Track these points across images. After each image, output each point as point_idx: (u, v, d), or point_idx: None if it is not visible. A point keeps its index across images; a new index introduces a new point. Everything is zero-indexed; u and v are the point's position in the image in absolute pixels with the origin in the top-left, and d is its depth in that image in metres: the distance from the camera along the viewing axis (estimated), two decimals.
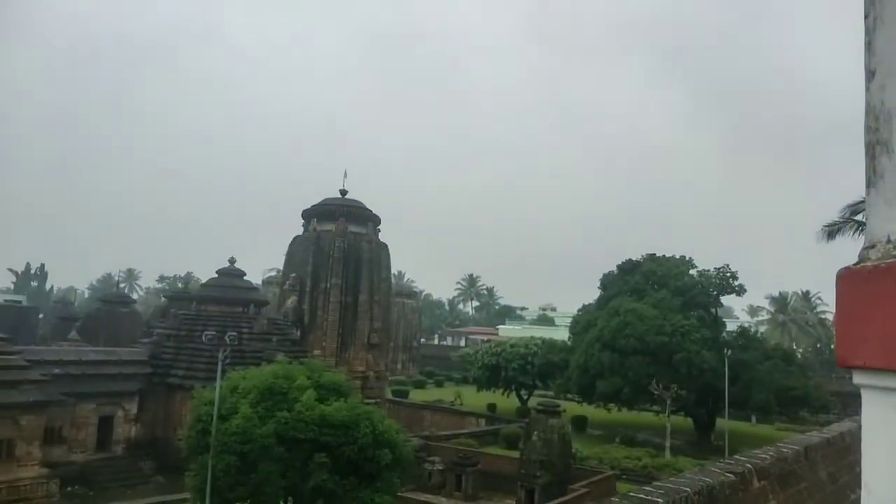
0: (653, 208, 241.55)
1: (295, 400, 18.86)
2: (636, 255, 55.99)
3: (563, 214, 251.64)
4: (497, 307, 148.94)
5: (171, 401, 33.83)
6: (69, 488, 27.99)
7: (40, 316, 69.46)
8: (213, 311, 38.94)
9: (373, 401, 34.07)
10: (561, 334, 71.89)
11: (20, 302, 78.53)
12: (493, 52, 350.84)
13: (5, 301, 76.64)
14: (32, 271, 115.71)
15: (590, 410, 52.21)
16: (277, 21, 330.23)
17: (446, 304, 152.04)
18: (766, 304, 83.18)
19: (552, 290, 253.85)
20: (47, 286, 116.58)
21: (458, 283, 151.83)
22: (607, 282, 56.19)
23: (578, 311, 59.93)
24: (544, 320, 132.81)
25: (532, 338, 62.05)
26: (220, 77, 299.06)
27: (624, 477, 34.57)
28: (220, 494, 18.09)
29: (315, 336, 45.68)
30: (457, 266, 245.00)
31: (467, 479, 30.16)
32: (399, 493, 20.90)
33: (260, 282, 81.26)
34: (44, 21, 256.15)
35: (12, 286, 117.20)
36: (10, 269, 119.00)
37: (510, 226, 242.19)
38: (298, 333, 44.14)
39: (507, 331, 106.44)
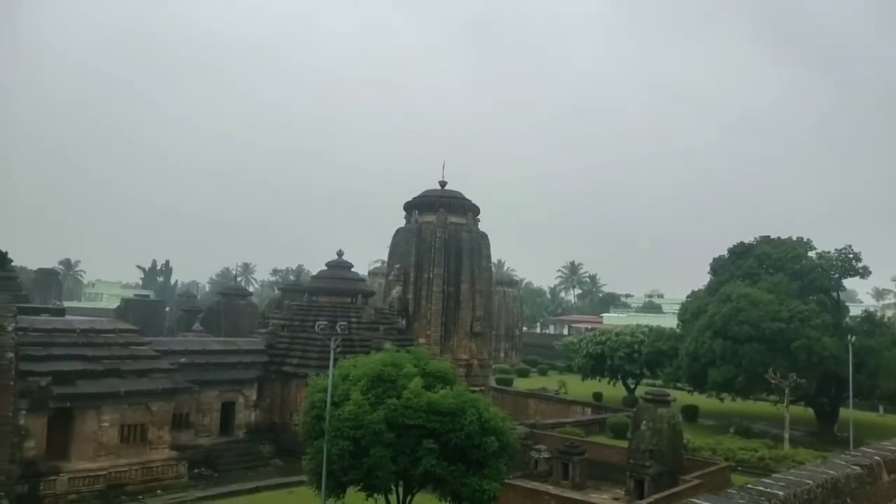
0: (766, 188, 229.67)
1: (403, 387, 19.35)
2: (748, 238, 53.62)
3: (669, 198, 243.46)
4: (600, 295, 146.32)
5: (287, 388, 35.48)
6: (196, 470, 29.92)
7: (167, 309, 74.32)
8: (323, 302, 40.45)
9: (477, 389, 34.42)
10: (669, 322, 69.96)
11: (148, 296, 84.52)
12: (586, 33, 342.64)
13: (135, 296, 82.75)
14: (158, 268, 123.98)
15: (701, 400, 50.61)
16: (370, 15, 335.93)
17: (547, 292, 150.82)
18: (893, 286, 77.37)
19: (659, 277, 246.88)
20: (172, 281, 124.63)
21: (559, 270, 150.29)
22: (718, 266, 54.19)
23: (687, 297, 58.21)
24: (651, 307, 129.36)
25: (638, 325, 60.73)
26: (320, 74, 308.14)
27: (739, 469, 33.35)
28: (335, 477, 18.87)
29: (419, 325, 46.54)
30: (558, 254, 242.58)
31: (574, 468, 29.96)
32: (506, 481, 21.07)
33: (366, 273, 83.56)
34: (162, 30, 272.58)
35: (141, 282, 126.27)
36: (139, 266, 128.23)
37: (614, 211, 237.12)
38: (404, 322, 45.11)
39: (612, 319, 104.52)
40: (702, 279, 55.86)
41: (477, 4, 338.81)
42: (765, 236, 52.89)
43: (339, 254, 43.82)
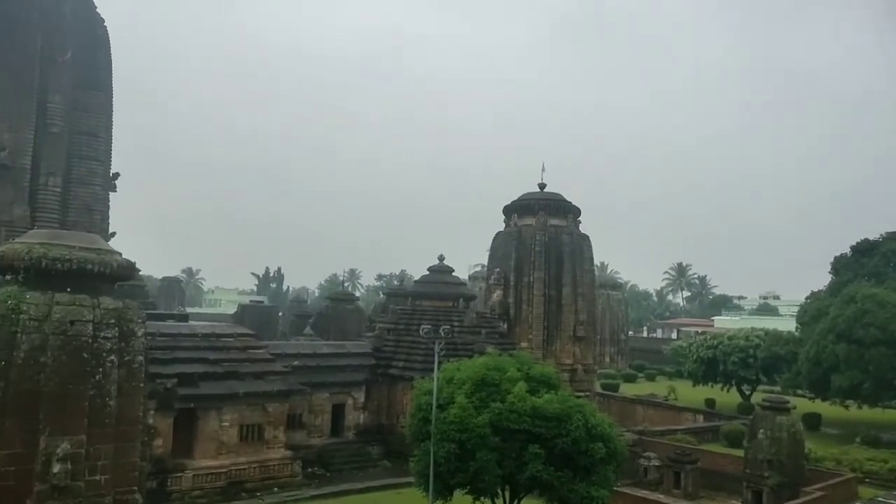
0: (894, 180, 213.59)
1: (507, 391, 19.40)
2: (873, 234, 50.12)
3: (787, 193, 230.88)
4: (710, 297, 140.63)
5: (394, 390, 36.30)
6: (309, 469, 31.10)
7: (280, 314, 77.61)
8: (426, 306, 41.13)
9: (582, 394, 33.94)
10: (786, 324, 66.54)
11: (263, 302, 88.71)
12: (687, 21, 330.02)
13: (251, 301, 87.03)
14: (271, 274, 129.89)
15: (823, 407, 47.78)
16: (463, 17, 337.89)
17: (654, 294, 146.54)
18: None
19: (774, 277, 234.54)
20: (284, 287, 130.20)
21: (665, 272, 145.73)
22: (840, 265, 51.09)
23: (806, 298, 55.13)
24: (766, 309, 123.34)
25: (753, 329, 58.02)
26: (416, 82, 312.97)
27: (867, 481, 31.21)
28: (442, 480, 19.15)
29: (521, 329, 46.39)
30: (664, 255, 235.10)
31: (687, 477, 28.98)
32: (615, 488, 20.69)
33: (467, 277, 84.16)
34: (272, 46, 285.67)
35: (256, 288, 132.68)
36: (254, 273, 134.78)
37: (725, 210, 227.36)
38: (505, 326, 45.12)
39: (724, 322, 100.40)
40: (822, 279, 52.85)
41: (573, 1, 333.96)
42: (892, 232, 49.32)
43: (441, 258, 44.41)
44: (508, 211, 49.99)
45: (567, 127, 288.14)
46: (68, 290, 14.79)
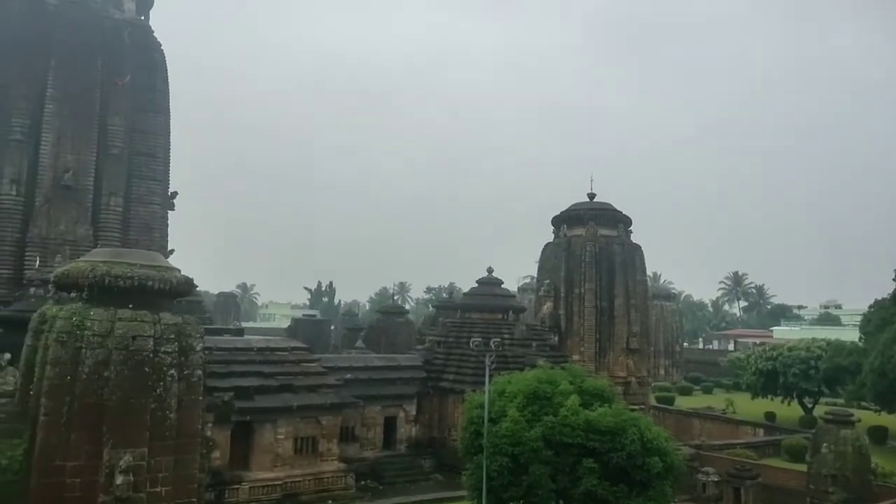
0: None
1: (559, 405, 19.20)
2: None
3: (848, 199, 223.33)
4: (768, 307, 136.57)
5: (445, 403, 36.27)
6: (362, 482, 31.27)
7: (332, 327, 78.62)
8: (475, 319, 41.05)
9: (637, 407, 33.33)
10: (849, 335, 64.26)
11: (315, 315, 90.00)
12: (738, 27, 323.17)
13: (304, 315, 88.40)
14: (323, 288, 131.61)
15: (889, 420, 45.84)
16: (505, 28, 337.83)
17: (709, 305, 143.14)
18: None
19: (835, 286, 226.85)
20: (336, 301, 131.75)
21: (721, 282, 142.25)
22: None
23: (870, 307, 53.03)
24: (827, 319, 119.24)
25: (814, 339, 56.06)
26: (464, 92, 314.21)
27: None
28: (494, 493, 19.03)
29: (573, 341, 45.91)
30: (719, 264, 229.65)
31: (747, 493, 28.11)
32: None
33: (516, 289, 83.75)
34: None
35: (308, 302, 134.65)
36: (306, 288, 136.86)
37: (782, 217, 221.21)
38: (556, 339, 44.70)
39: (783, 332, 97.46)
40: (885, 287, 50.69)
41: (622, 6, 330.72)
42: None
43: (490, 270, 44.31)
44: (557, 222, 49.68)
45: (617, 136, 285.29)
46: (130, 306, 15.27)
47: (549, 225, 50.59)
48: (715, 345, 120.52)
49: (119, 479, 14.09)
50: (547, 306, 46.94)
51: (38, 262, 32.52)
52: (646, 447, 18.12)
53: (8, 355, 18.30)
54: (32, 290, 28.77)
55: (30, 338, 15.62)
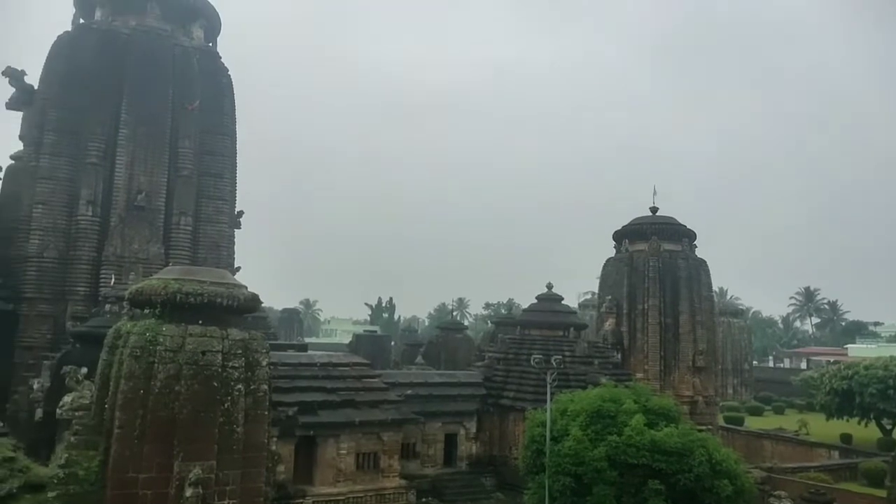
0: None
1: (623, 424, 18.83)
2: None
3: None
4: (843, 323, 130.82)
5: (505, 421, 35.95)
6: (423, 499, 31.18)
7: (392, 343, 79.15)
8: (535, 335, 40.66)
9: (704, 427, 32.33)
10: None
11: (376, 331, 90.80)
12: (811, 38, 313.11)
13: (364, 331, 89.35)
14: (383, 304, 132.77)
15: None
16: (563, 44, 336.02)
17: (779, 321, 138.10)
18: None
19: None
20: (395, 317, 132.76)
21: (791, 297, 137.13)
22: None
23: None
24: None
25: (892, 357, 53.32)
26: (518, 109, 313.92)
27: None
28: None
29: (636, 359, 44.96)
30: (789, 279, 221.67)
31: None
32: None
33: (576, 305, 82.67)
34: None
35: (369, 318, 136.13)
36: (367, 304, 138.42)
37: (857, 229, 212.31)
38: (618, 356, 43.86)
39: (859, 350, 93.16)
40: None
41: (678, 18, 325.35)
42: None
43: (549, 286, 43.88)
44: (619, 236, 48.94)
45: (678, 149, 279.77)
46: (200, 322, 15.74)
47: (610, 240, 49.87)
48: (786, 363, 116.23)
49: (189, 492, 14.45)
50: (609, 323, 46.15)
51: (112, 280, 33.92)
52: (714, 469, 17.57)
53: (85, 369, 19.08)
54: (108, 306, 29.95)
55: (105, 353, 16.22)
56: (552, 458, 18.80)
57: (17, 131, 40.33)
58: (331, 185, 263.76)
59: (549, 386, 21.58)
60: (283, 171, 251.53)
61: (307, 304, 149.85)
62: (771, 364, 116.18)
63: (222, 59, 42.54)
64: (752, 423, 57.84)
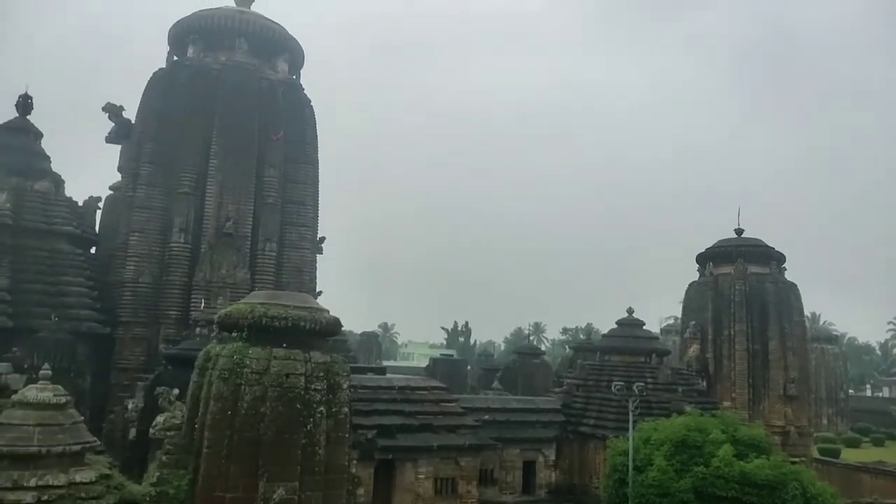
0: None
1: (710, 455, 18.14)
2: None
3: None
4: None
5: (585, 449, 35.18)
6: None
7: (468, 367, 79.01)
8: (616, 361, 39.80)
9: (797, 459, 30.74)
10: None
11: (452, 355, 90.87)
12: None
13: (441, 355, 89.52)
14: (459, 328, 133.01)
15: None
16: (635, 64, 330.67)
17: (877, 348, 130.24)
18: None
19: None
20: (472, 341, 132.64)
21: (890, 322, 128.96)
22: None
23: None
24: None
25: None
26: (591, 130, 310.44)
27: None
28: None
29: (723, 387, 43.37)
30: (887, 303, 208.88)
31: None
32: None
33: (658, 330, 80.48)
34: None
35: (445, 342, 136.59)
36: (443, 328, 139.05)
37: None
38: (704, 384, 42.40)
39: None
40: None
41: (761, 39, 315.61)
42: None
43: (630, 311, 42.92)
44: (703, 259, 47.65)
45: (765, 168, 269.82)
46: (284, 345, 16.22)
47: (693, 263, 48.56)
48: (885, 392, 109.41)
49: None
50: (693, 349, 44.77)
51: (202, 304, 35.37)
52: None
53: (176, 391, 19.93)
54: (198, 329, 31.21)
55: (196, 374, 16.89)
56: (635, 488, 18.27)
57: (116, 163, 43.00)
58: (408, 210, 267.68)
59: (630, 414, 21.05)
60: (363, 197, 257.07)
61: (385, 327, 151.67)
62: (868, 393, 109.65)
63: (305, 91, 44.14)
64: (849, 456, 54.55)
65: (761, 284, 44.11)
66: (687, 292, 47.99)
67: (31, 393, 14.51)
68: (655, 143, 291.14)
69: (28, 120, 41.88)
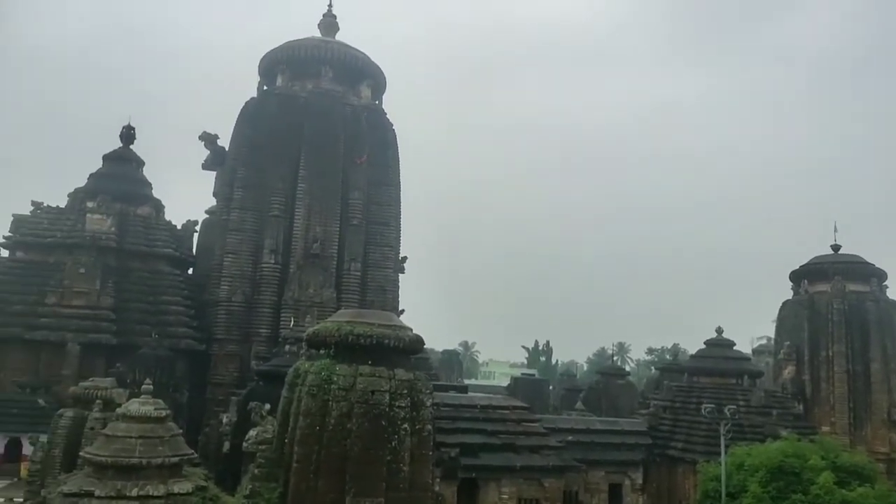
0: None
1: (810, 482, 17.31)
2: None
3: None
4: None
5: (674, 473, 34.11)
6: None
7: (550, 387, 77.98)
8: (705, 383, 38.51)
9: None
10: None
11: (534, 374, 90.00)
12: None
13: (522, 374, 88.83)
14: (540, 347, 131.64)
15: None
16: (719, 75, 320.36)
17: None
18: None
19: None
20: (553, 361, 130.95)
21: None
22: None
23: None
24: None
25: None
26: (681, 149, 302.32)
27: None
28: None
29: (821, 410, 41.21)
30: None
31: None
32: None
33: (750, 351, 77.15)
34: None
35: (526, 361, 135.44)
36: (524, 347, 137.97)
37: None
38: (800, 407, 40.41)
39: None
40: None
41: (849, 44, 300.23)
42: None
43: (719, 331, 41.49)
44: (797, 276, 45.72)
45: (860, 181, 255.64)
46: (369, 362, 16.60)
47: (786, 280, 46.65)
48: None
49: None
50: (788, 371, 42.83)
51: (291, 322, 36.58)
52: None
53: (268, 406, 20.66)
54: (287, 346, 32.29)
55: (286, 390, 17.49)
56: None
57: (212, 189, 45.24)
58: (490, 228, 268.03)
59: (722, 437, 20.35)
60: (444, 215, 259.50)
61: (466, 345, 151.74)
62: None
63: (387, 115, 45.27)
64: None
65: (861, 303, 41.91)
66: (780, 311, 46.15)
67: (134, 407, 15.36)
68: (744, 156, 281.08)
69: (131, 149, 44.80)
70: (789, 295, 46.28)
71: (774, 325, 47.49)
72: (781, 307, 46.18)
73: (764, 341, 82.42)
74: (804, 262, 45.56)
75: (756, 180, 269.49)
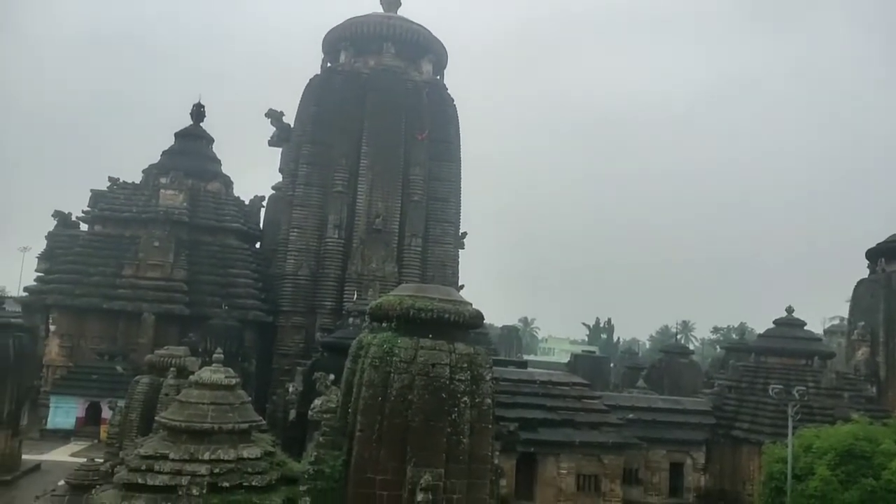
0: None
1: (881, 466, 16.75)
2: None
3: None
4: None
5: (737, 454, 33.52)
6: None
7: (611, 365, 77.34)
8: (772, 363, 37.50)
9: None
10: None
11: (594, 352, 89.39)
12: None
13: (583, 351, 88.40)
14: (601, 325, 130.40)
15: None
16: (785, 47, 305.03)
17: None
18: None
19: None
20: (614, 338, 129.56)
21: None
22: None
23: None
24: None
25: None
26: (752, 127, 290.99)
27: None
28: None
29: (895, 393, 39.58)
30: None
31: None
32: None
33: (821, 331, 74.56)
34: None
35: (586, 338, 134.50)
36: (584, 324, 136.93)
37: None
38: (874, 390, 38.94)
39: None
40: None
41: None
42: None
43: (789, 310, 40.20)
44: (873, 255, 43.83)
45: None
46: (430, 336, 16.80)
47: (862, 259, 44.77)
48: None
49: (420, 496, 15.37)
50: (862, 352, 41.26)
51: (355, 295, 37.33)
52: None
53: (332, 376, 21.23)
54: (351, 319, 32.99)
55: (349, 361, 17.89)
56: (794, 498, 17.24)
57: (278, 165, 46.27)
58: (550, 204, 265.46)
59: (790, 419, 19.84)
60: (504, 192, 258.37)
61: (525, 321, 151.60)
62: None
63: (448, 90, 45.17)
64: None
65: None
66: (855, 291, 44.41)
67: (206, 374, 15.99)
68: (817, 129, 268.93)
69: (201, 127, 46.14)
70: (864, 274, 44.49)
71: (848, 304, 45.71)
72: (856, 286, 44.44)
73: (836, 322, 79.56)
74: (881, 239, 43.62)
75: (834, 154, 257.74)
